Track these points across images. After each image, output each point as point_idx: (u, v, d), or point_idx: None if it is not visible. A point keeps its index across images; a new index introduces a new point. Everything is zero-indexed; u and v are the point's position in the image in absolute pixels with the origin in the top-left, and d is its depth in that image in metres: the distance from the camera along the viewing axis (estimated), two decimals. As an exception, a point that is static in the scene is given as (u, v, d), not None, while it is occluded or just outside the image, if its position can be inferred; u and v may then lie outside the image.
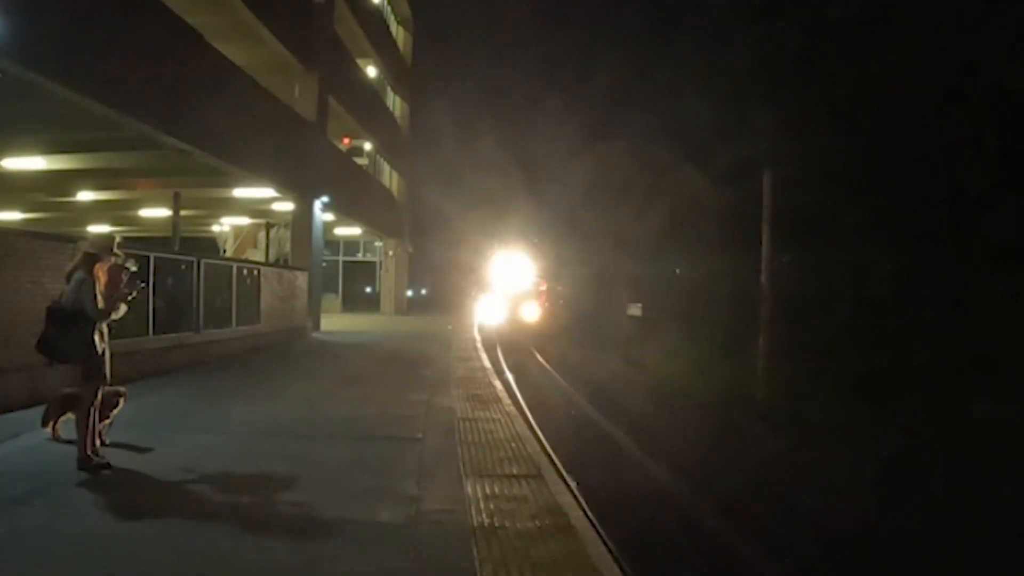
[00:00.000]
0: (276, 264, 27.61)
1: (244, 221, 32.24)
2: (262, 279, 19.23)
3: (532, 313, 34.81)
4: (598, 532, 6.11)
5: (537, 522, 5.69)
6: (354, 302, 43.84)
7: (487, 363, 17.61)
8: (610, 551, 5.52)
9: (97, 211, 27.63)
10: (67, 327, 6.73)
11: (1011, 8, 16.52)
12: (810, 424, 14.95)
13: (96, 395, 6.98)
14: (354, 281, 45.50)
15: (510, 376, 18.63)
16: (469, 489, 6.55)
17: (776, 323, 20.87)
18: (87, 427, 6.92)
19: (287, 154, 22.53)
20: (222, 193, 23.49)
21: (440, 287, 66.28)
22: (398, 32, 43.27)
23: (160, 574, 4.69)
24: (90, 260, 6.86)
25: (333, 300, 39.73)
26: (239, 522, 5.65)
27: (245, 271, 18.46)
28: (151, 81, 14.43)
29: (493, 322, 35.42)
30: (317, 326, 25.61)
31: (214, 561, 4.91)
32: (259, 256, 31.80)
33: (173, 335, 14.11)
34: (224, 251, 34.71)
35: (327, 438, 8.83)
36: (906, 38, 17.37)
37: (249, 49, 20.88)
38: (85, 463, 6.85)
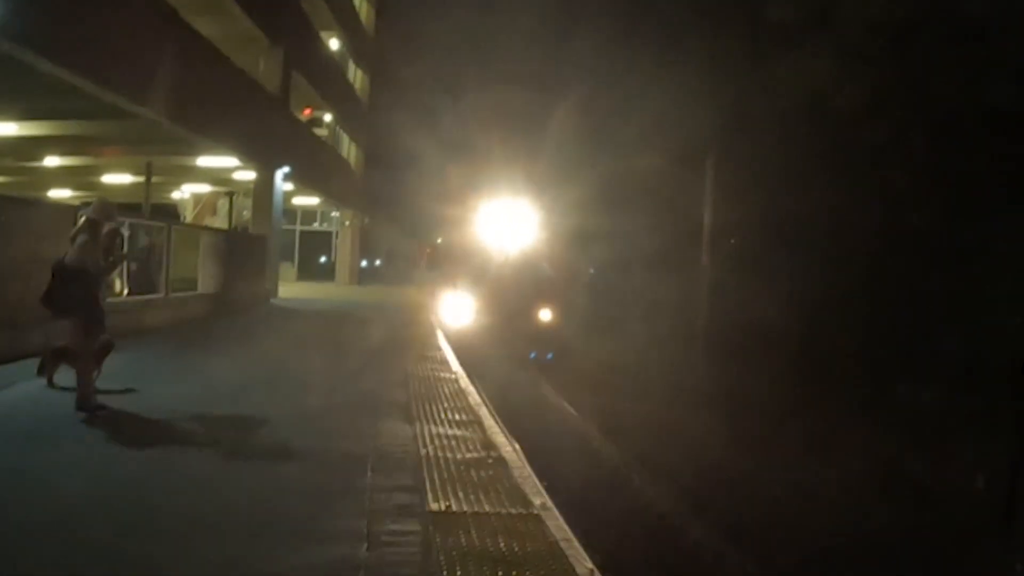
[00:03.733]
0: (239, 232, 28.36)
1: (205, 189, 32.85)
2: (226, 246, 20.11)
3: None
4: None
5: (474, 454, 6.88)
6: (309, 271, 44.52)
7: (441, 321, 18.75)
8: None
9: (61, 176, 28.12)
10: (71, 284, 7.71)
11: (940, 17, 17.93)
12: (743, 404, 16.29)
13: (95, 344, 7.99)
14: (310, 250, 46.20)
15: None
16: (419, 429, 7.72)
17: (717, 310, 22.24)
18: (86, 373, 7.92)
19: (251, 125, 23.25)
20: (186, 161, 24.14)
21: (394, 259, 67.26)
22: (361, 6, 43.80)
23: (158, 491, 5.69)
24: (93, 225, 7.84)
25: (289, 269, 40.37)
26: (222, 451, 6.82)
27: (210, 238, 19.33)
28: (126, 54, 15.20)
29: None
30: (275, 293, 26.48)
31: (202, 481, 5.97)
32: (218, 223, 32.44)
33: (144, 297, 15.02)
34: (184, 217, 35.24)
35: (292, 389, 9.96)
36: (839, 43, 18.71)
37: (218, 23, 21.55)
38: (84, 405, 7.84)
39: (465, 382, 11.03)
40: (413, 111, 48.39)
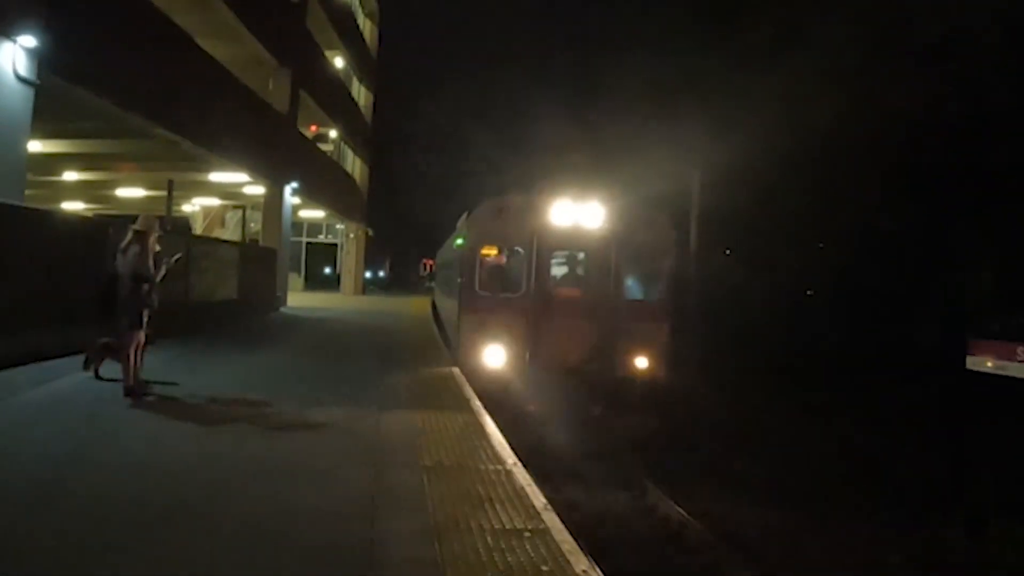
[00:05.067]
0: (251, 244, 29.72)
1: (214, 202, 34.22)
2: (240, 257, 21.45)
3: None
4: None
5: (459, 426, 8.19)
6: (315, 281, 46.01)
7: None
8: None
9: (75, 190, 29.44)
10: (126, 290, 9.01)
11: (900, 37, 19.35)
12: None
13: (139, 339, 9.28)
14: (316, 261, 47.69)
15: None
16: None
17: (701, 313, 23.47)
18: (131, 364, 9.21)
19: (261, 143, 24.65)
20: (199, 177, 25.46)
21: (398, 270, 69.14)
22: (365, 25, 45.29)
23: (201, 457, 6.94)
24: (141, 237, 9.15)
25: (296, 279, 41.74)
26: (249, 426, 8.24)
27: (226, 250, 20.66)
28: (153, 82, 16.59)
29: None
30: (284, 302, 27.81)
31: (238, 444, 7.35)
32: (227, 234, 33.85)
33: (171, 303, 16.32)
34: (193, 229, 36.58)
35: (305, 380, 11.36)
36: (811, 60, 20.07)
37: (230, 46, 22.91)
38: (131, 391, 9.15)
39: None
40: (416, 126, 49.93)
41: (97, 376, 10.13)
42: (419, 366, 13.52)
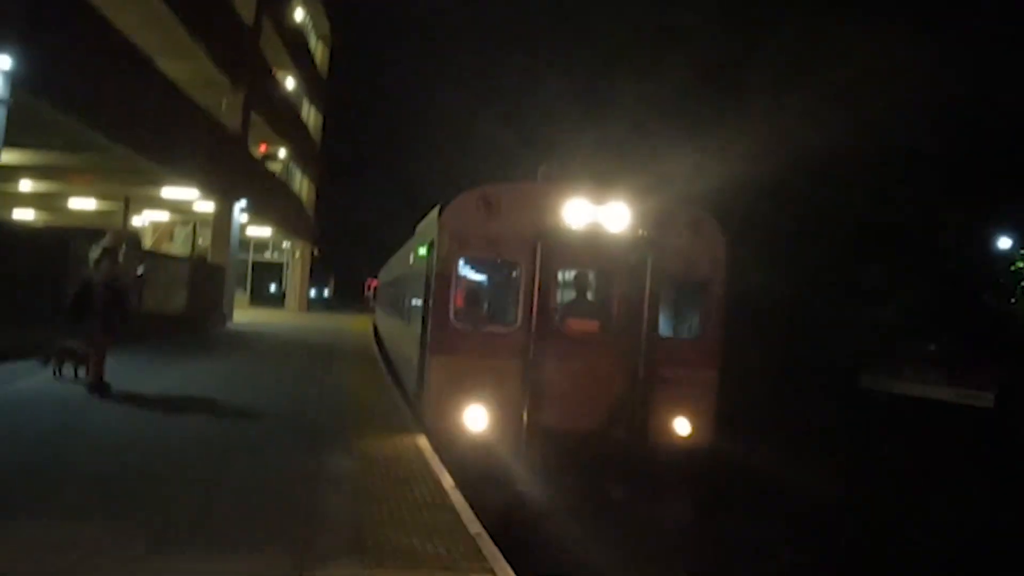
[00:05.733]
0: (199, 260, 30.24)
1: (164, 217, 34.63)
2: (189, 272, 22.15)
3: None
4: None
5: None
6: (261, 299, 46.48)
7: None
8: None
9: (27, 200, 29.70)
10: (100, 298, 9.89)
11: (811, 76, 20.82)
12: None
13: (107, 342, 10.12)
14: (262, 279, 48.16)
15: None
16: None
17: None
18: (99, 363, 10.05)
19: (213, 161, 25.32)
20: (151, 192, 25.98)
21: (342, 289, 69.96)
22: (317, 47, 46.12)
23: (162, 439, 7.96)
24: (113, 252, 10.05)
25: (241, 296, 42.12)
26: (202, 415, 9.52)
27: (176, 265, 21.35)
28: (112, 99, 17.30)
29: None
30: (230, 317, 28.40)
31: (188, 432, 8.46)
32: (175, 249, 34.27)
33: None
34: (142, 244, 36.83)
35: (248, 385, 12.58)
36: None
37: (185, 66, 23.58)
38: (95, 388, 9.98)
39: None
40: (362, 148, 50.86)
41: (56, 376, 10.91)
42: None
